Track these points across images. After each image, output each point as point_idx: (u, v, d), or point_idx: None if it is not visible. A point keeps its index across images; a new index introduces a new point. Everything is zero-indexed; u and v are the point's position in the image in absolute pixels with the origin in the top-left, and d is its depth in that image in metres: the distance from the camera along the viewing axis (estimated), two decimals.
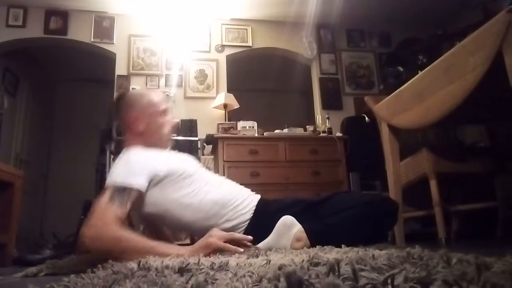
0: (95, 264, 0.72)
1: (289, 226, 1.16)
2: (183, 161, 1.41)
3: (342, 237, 1.10)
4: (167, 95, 1.43)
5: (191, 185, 1.30)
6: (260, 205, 1.35)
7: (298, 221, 1.19)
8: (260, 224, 1.26)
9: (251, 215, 1.31)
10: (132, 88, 3.75)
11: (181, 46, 3.94)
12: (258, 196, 1.41)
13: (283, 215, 1.20)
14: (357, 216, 1.21)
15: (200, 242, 1.06)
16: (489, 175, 1.97)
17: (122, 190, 1.12)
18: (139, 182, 1.17)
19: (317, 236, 1.15)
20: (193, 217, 1.27)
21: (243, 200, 1.34)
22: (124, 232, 1.04)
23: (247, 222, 1.30)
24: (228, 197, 1.32)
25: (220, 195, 1.31)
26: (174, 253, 0.94)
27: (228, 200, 1.31)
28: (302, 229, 1.16)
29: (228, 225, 1.27)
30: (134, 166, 1.21)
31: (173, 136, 1.44)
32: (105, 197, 1.10)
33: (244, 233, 1.23)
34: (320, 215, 1.26)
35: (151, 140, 1.37)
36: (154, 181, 1.24)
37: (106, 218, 1.05)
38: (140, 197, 1.19)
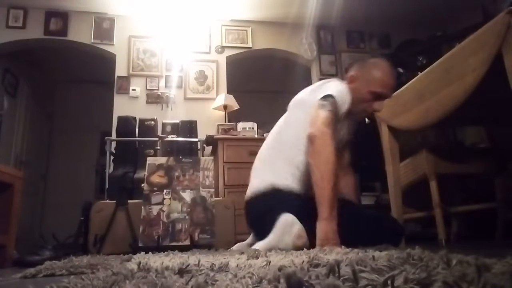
0: (94, 265, 0.72)
1: (290, 225, 1.17)
2: None
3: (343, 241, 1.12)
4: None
5: None
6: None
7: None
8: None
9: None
10: (132, 90, 3.75)
11: (181, 47, 3.94)
12: None
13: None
14: (363, 237, 1.20)
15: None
16: (489, 176, 1.97)
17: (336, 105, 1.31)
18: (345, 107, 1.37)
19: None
20: None
21: None
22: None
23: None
24: None
25: None
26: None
27: None
28: (302, 227, 1.17)
29: None
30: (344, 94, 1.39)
31: (364, 118, 1.49)
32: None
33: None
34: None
35: (352, 101, 1.41)
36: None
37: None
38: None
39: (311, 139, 1.24)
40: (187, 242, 2.02)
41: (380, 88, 1.42)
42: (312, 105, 1.33)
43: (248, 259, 0.80)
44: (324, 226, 1.13)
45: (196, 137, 3.31)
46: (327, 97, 1.32)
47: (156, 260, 0.85)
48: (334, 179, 1.16)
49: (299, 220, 1.20)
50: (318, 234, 1.13)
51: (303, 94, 1.53)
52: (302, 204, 1.26)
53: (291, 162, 1.35)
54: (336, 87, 1.39)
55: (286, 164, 1.36)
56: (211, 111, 3.77)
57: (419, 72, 1.77)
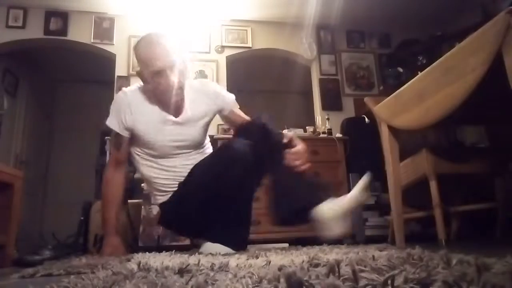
0: (93, 265, 0.72)
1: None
2: None
3: None
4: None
5: None
6: None
7: None
8: None
9: None
10: None
11: (180, 47, 3.93)
12: None
13: None
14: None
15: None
16: (489, 176, 1.97)
17: None
18: None
19: None
20: None
21: None
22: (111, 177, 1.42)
23: None
24: None
25: None
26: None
27: None
28: None
29: None
30: None
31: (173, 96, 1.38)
32: None
33: None
34: None
35: (157, 94, 1.43)
36: None
37: None
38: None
39: None
40: (187, 242, 2.02)
41: (152, 66, 1.35)
42: None
43: (248, 259, 0.80)
44: None
45: None
46: None
47: (156, 260, 0.85)
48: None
49: None
50: None
51: None
52: None
53: None
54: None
55: None
56: None
57: (419, 72, 1.77)
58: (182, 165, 1.40)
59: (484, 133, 2.39)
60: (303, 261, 0.62)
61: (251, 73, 4.92)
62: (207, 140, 1.58)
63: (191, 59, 3.95)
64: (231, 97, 1.57)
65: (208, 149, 1.57)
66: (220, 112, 1.54)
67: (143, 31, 3.85)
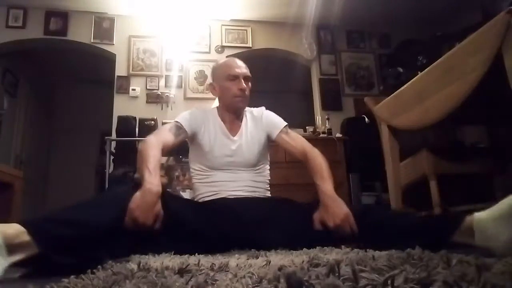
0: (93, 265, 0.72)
1: None
2: None
3: None
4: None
5: None
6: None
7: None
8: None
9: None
10: (132, 90, 3.76)
11: (181, 47, 3.94)
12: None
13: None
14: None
15: None
16: (489, 176, 1.97)
17: None
18: None
19: None
20: None
21: None
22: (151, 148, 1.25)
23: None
24: None
25: None
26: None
27: None
28: None
29: None
30: None
31: (242, 103, 1.51)
32: None
33: None
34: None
35: (224, 104, 1.54)
36: None
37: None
38: None
39: None
40: None
41: (229, 69, 1.51)
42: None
43: (248, 259, 0.80)
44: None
45: None
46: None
47: (156, 260, 0.85)
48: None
49: None
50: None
51: None
52: None
53: None
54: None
55: None
56: None
57: (419, 72, 1.77)
58: (229, 180, 1.43)
59: (484, 133, 2.39)
60: (303, 261, 0.62)
61: (251, 73, 4.89)
62: (264, 161, 1.55)
63: (191, 59, 3.96)
64: (280, 122, 1.57)
65: (264, 171, 1.54)
66: (269, 137, 1.55)
67: (143, 31, 3.90)
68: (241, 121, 1.55)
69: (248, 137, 1.51)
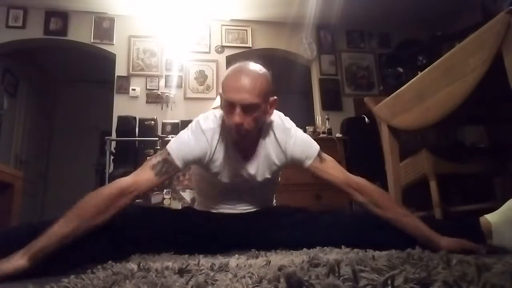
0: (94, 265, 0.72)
1: None
2: None
3: None
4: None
5: None
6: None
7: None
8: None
9: None
10: (132, 90, 3.76)
11: (181, 47, 3.94)
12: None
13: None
14: None
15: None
16: (489, 176, 1.96)
17: None
18: None
19: None
20: None
21: None
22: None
23: None
24: None
25: None
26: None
27: None
28: None
29: None
30: None
31: (237, 138, 1.15)
32: None
33: None
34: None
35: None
36: None
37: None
38: None
39: None
40: None
41: (226, 92, 1.12)
42: None
43: (248, 259, 0.80)
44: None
45: None
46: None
47: (156, 260, 0.85)
48: None
49: None
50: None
51: None
52: None
53: None
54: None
55: None
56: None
57: (419, 72, 1.77)
58: (235, 199, 1.32)
59: (483, 133, 2.39)
60: (303, 261, 0.62)
61: None
62: (276, 177, 1.42)
63: (191, 59, 3.96)
64: (311, 152, 1.24)
65: (274, 185, 1.45)
66: (295, 165, 1.27)
67: (143, 31, 3.90)
68: (257, 142, 1.23)
69: (264, 165, 1.24)
